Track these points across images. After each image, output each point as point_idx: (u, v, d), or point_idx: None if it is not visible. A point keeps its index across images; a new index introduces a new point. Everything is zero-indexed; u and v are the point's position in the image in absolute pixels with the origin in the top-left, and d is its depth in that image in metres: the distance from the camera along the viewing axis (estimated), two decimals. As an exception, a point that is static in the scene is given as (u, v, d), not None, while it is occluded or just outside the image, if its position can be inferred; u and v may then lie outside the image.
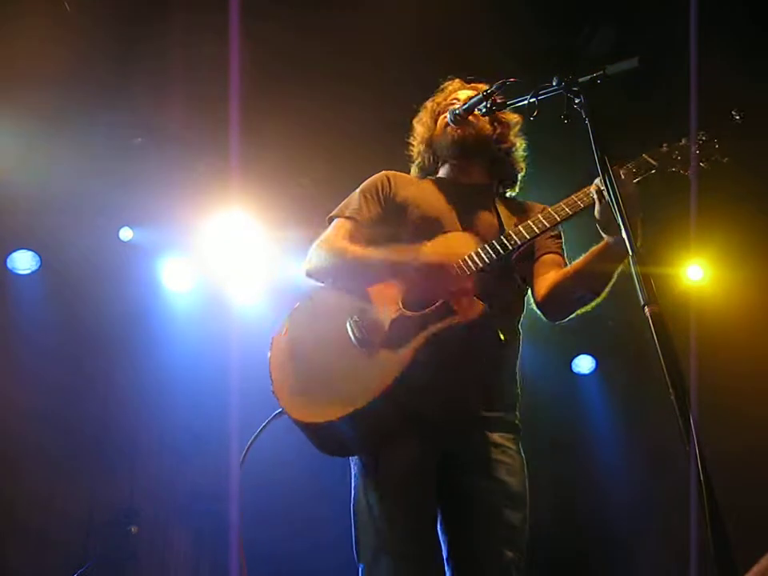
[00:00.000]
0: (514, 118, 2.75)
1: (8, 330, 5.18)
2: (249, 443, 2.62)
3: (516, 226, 2.44)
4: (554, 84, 2.17)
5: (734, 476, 4.14)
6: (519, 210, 2.66)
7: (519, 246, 2.40)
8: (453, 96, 2.75)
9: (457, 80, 2.83)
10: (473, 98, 2.50)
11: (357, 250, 2.50)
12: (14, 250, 5.22)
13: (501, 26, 4.25)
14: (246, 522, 3.23)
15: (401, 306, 2.37)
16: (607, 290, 2.45)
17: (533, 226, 2.40)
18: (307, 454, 2.46)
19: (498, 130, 2.72)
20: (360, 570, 2.32)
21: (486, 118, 2.65)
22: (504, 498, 2.35)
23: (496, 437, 2.41)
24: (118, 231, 5.26)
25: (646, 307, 1.79)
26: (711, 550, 1.58)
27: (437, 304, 2.34)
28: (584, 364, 6.34)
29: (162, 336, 5.38)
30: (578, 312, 2.54)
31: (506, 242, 2.38)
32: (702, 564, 1.72)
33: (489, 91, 2.40)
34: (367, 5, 4.20)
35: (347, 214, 2.61)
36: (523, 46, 4.30)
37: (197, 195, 5.18)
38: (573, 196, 2.41)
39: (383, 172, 2.72)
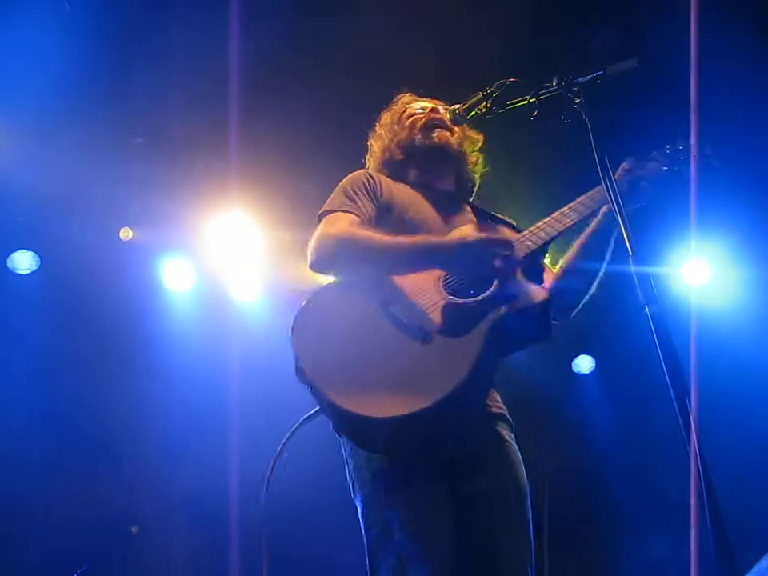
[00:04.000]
0: (479, 136, 2.78)
1: (8, 330, 5.17)
2: (278, 450, 2.30)
3: None
4: (554, 84, 2.18)
5: (735, 476, 4.13)
6: (490, 218, 2.64)
7: (557, 235, 2.40)
8: (417, 104, 2.76)
9: (408, 93, 2.84)
10: (472, 97, 2.50)
11: (384, 236, 2.32)
12: (14, 250, 5.22)
13: (496, 35, 4.25)
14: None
15: (444, 292, 2.25)
16: (595, 284, 2.49)
17: (559, 221, 2.41)
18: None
19: (467, 145, 2.75)
20: None
21: (459, 132, 2.69)
22: (517, 494, 2.32)
23: (504, 434, 2.40)
24: (118, 231, 5.26)
25: (646, 307, 1.80)
26: (712, 550, 1.58)
27: (493, 288, 2.22)
28: (584, 364, 6.34)
29: (161, 336, 5.38)
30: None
31: (549, 227, 2.39)
32: (702, 564, 1.72)
33: (489, 91, 2.40)
34: (370, 8, 4.20)
35: (344, 209, 2.45)
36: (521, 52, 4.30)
37: (197, 195, 5.17)
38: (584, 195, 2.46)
39: (363, 171, 2.64)
